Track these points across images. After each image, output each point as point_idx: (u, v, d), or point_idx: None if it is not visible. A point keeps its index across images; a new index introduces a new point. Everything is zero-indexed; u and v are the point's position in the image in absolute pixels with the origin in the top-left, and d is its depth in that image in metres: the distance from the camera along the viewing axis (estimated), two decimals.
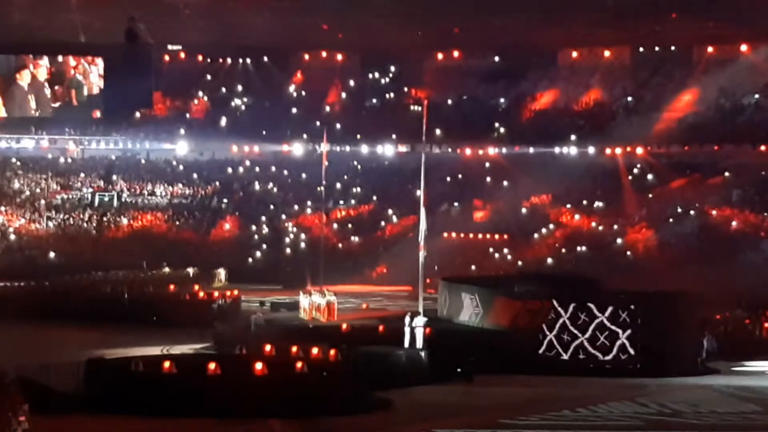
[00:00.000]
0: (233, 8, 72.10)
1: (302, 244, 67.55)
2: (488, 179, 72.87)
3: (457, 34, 76.25)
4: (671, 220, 65.30)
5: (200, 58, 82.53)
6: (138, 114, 79.50)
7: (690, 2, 67.16)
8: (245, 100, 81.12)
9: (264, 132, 77.69)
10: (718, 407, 29.02)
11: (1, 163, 76.20)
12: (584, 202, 69.65)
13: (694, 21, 70.21)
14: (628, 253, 62.18)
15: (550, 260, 61.92)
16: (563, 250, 63.61)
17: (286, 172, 76.97)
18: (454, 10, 70.68)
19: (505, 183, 72.39)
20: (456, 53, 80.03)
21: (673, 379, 33.73)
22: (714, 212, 64.20)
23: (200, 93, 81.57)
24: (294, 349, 30.77)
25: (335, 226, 69.84)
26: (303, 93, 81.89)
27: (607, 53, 77.71)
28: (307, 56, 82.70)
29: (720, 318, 41.12)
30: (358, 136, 76.79)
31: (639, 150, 71.14)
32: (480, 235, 66.41)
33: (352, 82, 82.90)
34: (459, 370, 33.61)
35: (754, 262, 56.49)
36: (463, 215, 68.75)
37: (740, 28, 69.19)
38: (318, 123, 73.89)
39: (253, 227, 70.98)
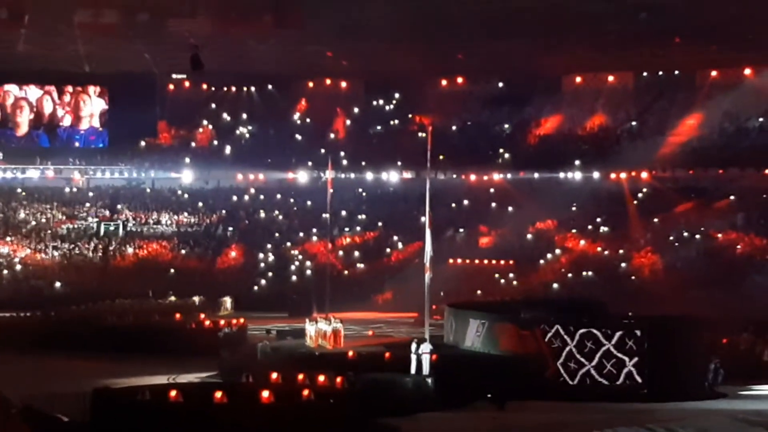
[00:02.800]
0: (237, 37, 70.88)
1: (308, 272, 66.46)
2: (493, 205, 72.02)
3: (461, 59, 75.56)
4: (677, 244, 64.10)
5: (204, 86, 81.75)
6: (143, 143, 78.96)
7: (693, 27, 65.86)
8: (250, 128, 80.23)
9: (269, 160, 77.15)
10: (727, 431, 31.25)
11: (7, 193, 75.02)
12: (589, 227, 69.03)
13: (696, 45, 69.46)
14: (633, 277, 61.14)
15: (555, 285, 60.92)
16: (569, 275, 62.52)
17: (291, 199, 75.67)
18: (457, 35, 69.23)
19: (510, 209, 71.57)
20: (460, 79, 79.12)
21: (681, 403, 32.54)
22: (719, 236, 63.12)
23: (205, 121, 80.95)
24: (300, 376, 29.96)
25: (341, 253, 68.80)
26: (307, 120, 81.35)
27: (610, 78, 77.17)
28: (311, 84, 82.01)
29: (727, 342, 40.17)
30: (363, 163, 76.61)
31: (644, 174, 70.26)
32: (485, 261, 65.05)
33: (356, 109, 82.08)
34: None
35: (761, 285, 54.96)
36: (468, 241, 67.83)
37: (743, 51, 68.27)
38: (323, 150, 73.54)
39: (259, 255, 69.91)
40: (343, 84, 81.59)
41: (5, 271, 66.83)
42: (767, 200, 64.57)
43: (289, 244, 70.37)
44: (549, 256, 65.79)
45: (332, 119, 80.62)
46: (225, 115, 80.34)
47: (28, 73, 77.93)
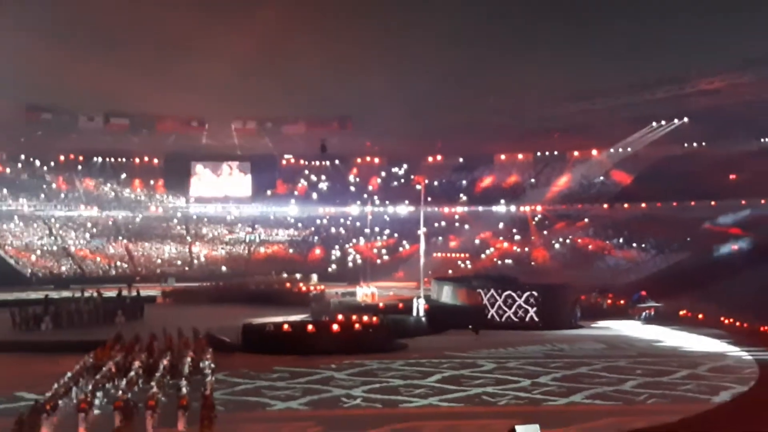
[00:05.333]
0: (318, 134, 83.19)
1: (358, 260, 74.48)
2: (457, 225, 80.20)
3: (439, 147, 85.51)
4: (556, 245, 71.91)
5: (302, 161, 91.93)
6: (269, 191, 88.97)
7: (563, 128, 76.49)
8: (326, 183, 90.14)
9: (336, 200, 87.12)
10: (584, 346, 33.69)
11: (195, 220, 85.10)
12: (509, 236, 76.35)
13: (566, 139, 78.32)
14: (533, 263, 69.22)
15: (491, 267, 67.90)
16: (498, 262, 70.83)
17: (348, 222, 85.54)
18: (437, 135, 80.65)
19: (466, 226, 79.53)
20: (439, 157, 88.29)
21: (559, 331, 37.89)
22: (579, 240, 71.29)
23: (302, 180, 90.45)
24: (354, 317, 35.33)
25: (374, 250, 76.23)
26: (357, 179, 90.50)
27: (520, 156, 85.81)
28: (359, 159, 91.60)
29: (584, 298, 45.76)
30: (387, 202, 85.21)
31: (538, 208, 78.39)
32: (453, 255, 73.45)
33: (383, 173, 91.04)
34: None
35: (601, 268, 63.34)
36: (444, 244, 75.71)
37: (591, 141, 78.02)
38: (365, 195, 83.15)
39: (331, 251, 78.51)
40: (376, 159, 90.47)
41: (196, 261, 76.00)
42: (605, 221, 72.17)
43: (347, 246, 78.66)
44: (487, 251, 73.33)
45: (369, 178, 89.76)
46: (312, 177, 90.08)
47: (206, 155, 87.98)
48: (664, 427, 19.26)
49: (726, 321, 39.99)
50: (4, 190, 78.09)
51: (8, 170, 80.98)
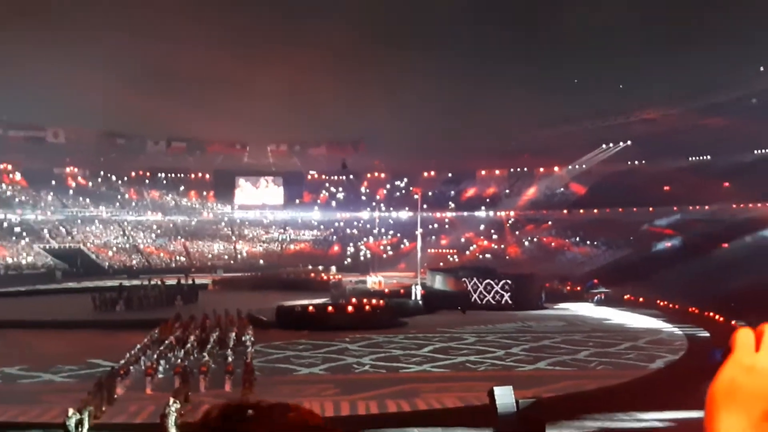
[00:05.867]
0: (338, 154, 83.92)
1: (368, 255, 72.99)
2: (446, 226, 79.78)
3: (433, 163, 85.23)
4: (526, 243, 71.72)
5: (323, 176, 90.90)
6: (297, 200, 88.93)
7: (531, 150, 77.22)
8: (343, 194, 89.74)
9: (350, 207, 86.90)
10: (548, 323, 33.61)
11: (238, 223, 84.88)
12: (488, 235, 75.87)
13: (533, 158, 78.70)
14: (507, 257, 68.44)
15: (474, 260, 67.09)
16: (480, 257, 69.88)
17: (360, 224, 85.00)
18: (431, 154, 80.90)
19: (454, 228, 79.28)
20: (432, 173, 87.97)
21: (528, 311, 37.34)
22: (544, 239, 70.90)
23: (323, 191, 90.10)
24: (365, 300, 35.32)
25: (381, 246, 76.23)
26: (367, 190, 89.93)
27: (497, 172, 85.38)
28: (368, 174, 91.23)
29: (548, 285, 45.37)
30: (391, 209, 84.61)
31: (512, 213, 78.19)
32: (444, 250, 73.07)
33: (387, 185, 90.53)
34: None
35: (562, 261, 62.97)
36: (436, 242, 75.19)
37: (553, 160, 78.01)
38: (374, 203, 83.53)
39: (347, 248, 78.31)
40: (382, 174, 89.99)
41: (239, 256, 75.20)
42: (565, 224, 71.28)
43: (359, 243, 77.81)
44: (471, 248, 72.67)
45: (377, 190, 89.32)
46: (332, 189, 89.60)
47: (247, 171, 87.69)
48: (610, 389, 19.18)
49: (661, 303, 39.91)
50: (87, 200, 78.94)
51: (90, 184, 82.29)
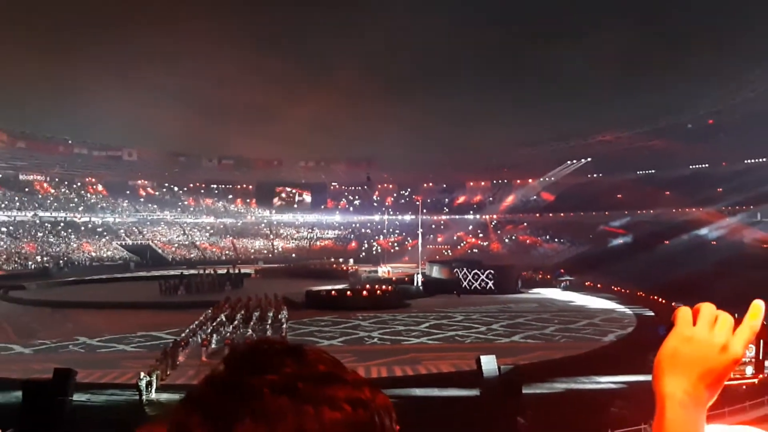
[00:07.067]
0: (355, 170, 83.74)
1: (379, 250, 72.98)
2: (442, 227, 79.08)
3: (432, 176, 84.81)
4: (506, 240, 71.15)
5: (342, 186, 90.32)
6: (322, 206, 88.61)
7: (509, 166, 76.87)
8: (358, 200, 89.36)
9: (365, 212, 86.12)
10: (524, 305, 33.28)
11: (275, 224, 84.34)
12: (476, 234, 75.45)
13: (512, 171, 78.74)
14: (491, 251, 67.73)
15: (464, 254, 66.41)
16: (468, 251, 69.19)
17: (373, 225, 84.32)
18: (429, 168, 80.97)
19: (448, 228, 78.75)
20: (431, 184, 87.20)
21: (508, 295, 36.84)
22: (521, 237, 70.51)
23: (343, 199, 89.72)
24: (376, 286, 35.44)
25: (389, 243, 75.27)
26: (378, 198, 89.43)
27: (483, 183, 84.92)
28: (379, 185, 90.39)
29: (526, 274, 44.43)
30: (397, 213, 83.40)
31: (494, 216, 77.50)
32: (440, 246, 72.44)
33: (394, 194, 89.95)
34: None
35: (536, 255, 62.29)
36: (433, 240, 74.23)
37: (528, 173, 78.07)
38: (383, 208, 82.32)
39: (362, 245, 77.97)
40: (390, 185, 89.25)
41: (276, 250, 74.58)
42: (537, 225, 70.53)
43: (372, 240, 77.77)
44: (461, 245, 72.24)
45: (386, 198, 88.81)
46: (350, 197, 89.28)
47: (282, 183, 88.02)
48: (573, 357, 19.08)
49: (615, 288, 39.40)
50: (155, 206, 79.24)
51: (157, 193, 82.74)
